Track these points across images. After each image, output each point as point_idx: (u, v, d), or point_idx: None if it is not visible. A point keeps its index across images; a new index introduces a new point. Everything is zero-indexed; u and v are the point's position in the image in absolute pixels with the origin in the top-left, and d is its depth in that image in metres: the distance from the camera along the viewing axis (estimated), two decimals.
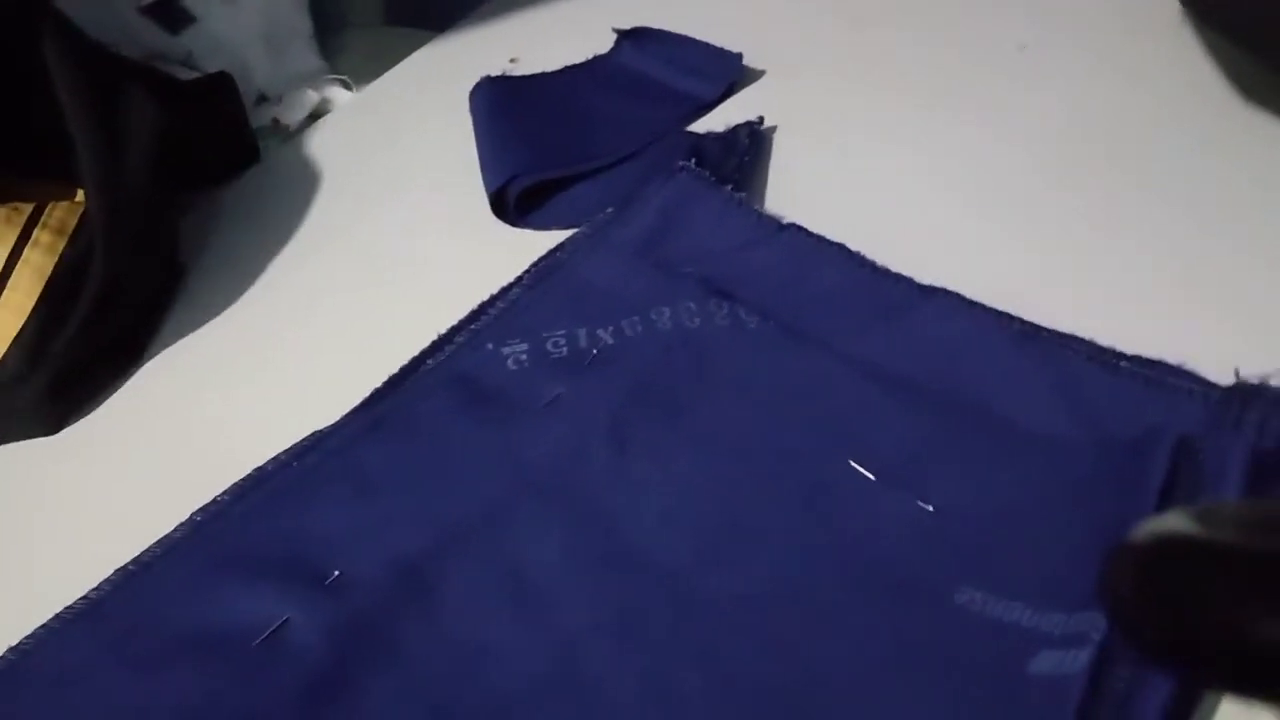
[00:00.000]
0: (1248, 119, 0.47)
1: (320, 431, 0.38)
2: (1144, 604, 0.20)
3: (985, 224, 0.44)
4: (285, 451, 0.38)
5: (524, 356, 0.40)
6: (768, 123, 0.51)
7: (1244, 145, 0.45)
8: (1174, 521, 0.22)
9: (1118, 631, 0.24)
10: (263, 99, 0.65)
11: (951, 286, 0.40)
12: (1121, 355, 0.36)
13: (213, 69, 0.61)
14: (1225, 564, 0.19)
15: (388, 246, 0.50)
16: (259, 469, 0.37)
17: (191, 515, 0.36)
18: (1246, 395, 0.33)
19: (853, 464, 0.35)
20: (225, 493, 0.37)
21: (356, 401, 0.40)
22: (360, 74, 0.66)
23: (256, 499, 0.36)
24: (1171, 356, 0.36)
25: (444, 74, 0.62)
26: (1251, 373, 0.34)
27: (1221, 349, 0.36)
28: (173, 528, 0.36)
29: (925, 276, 0.41)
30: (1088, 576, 0.30)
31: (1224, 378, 0.35)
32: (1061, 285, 0.41)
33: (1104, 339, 0.37)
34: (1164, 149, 0.46)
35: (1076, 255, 0.42)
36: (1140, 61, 0.52)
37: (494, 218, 0.50)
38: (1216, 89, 0.49)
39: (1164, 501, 0.31)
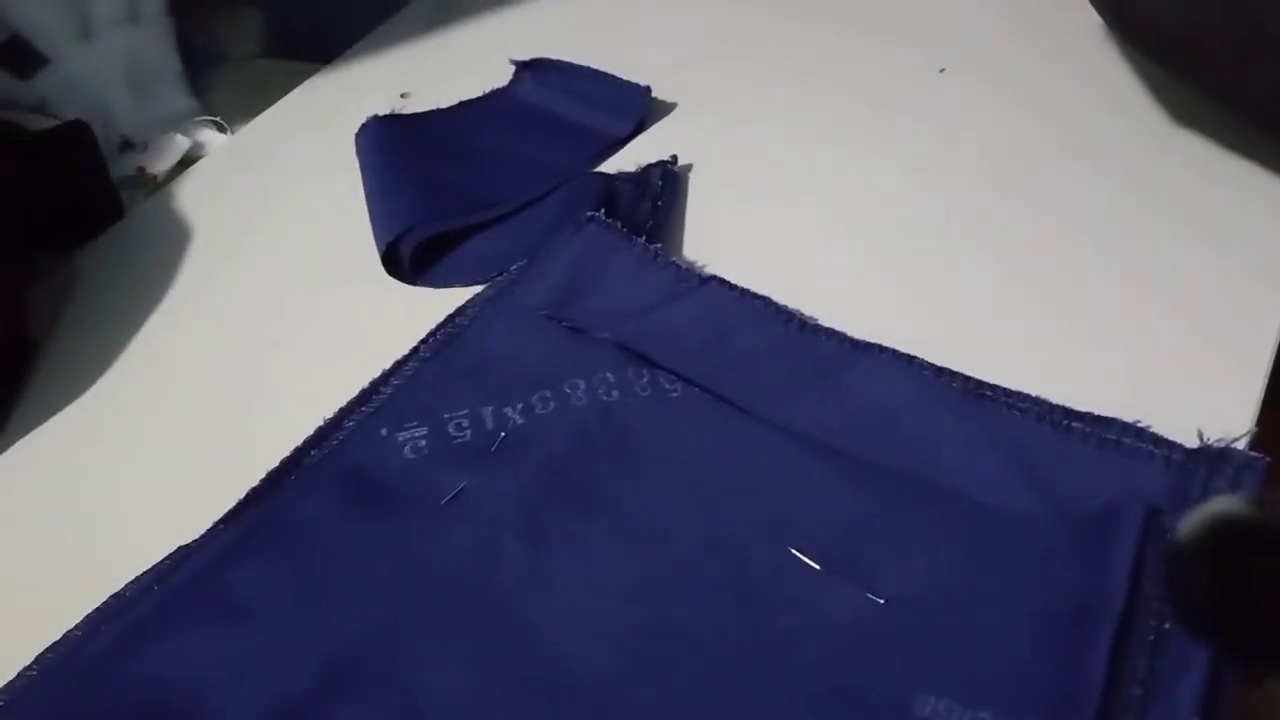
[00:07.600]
0: (1176, 142, 0.45)
1: (186, 546, 0.33)
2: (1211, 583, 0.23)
3: (915, 268, 0.41)
4: (147, 572, 0.33)
5: (423, 443, 0.36)
6: (681, 161, 0.48)
7: (1174, 170, 0.43)
8: (1229, 504, 0.24)
9: (1183, 618, 0.26)
10: (126, 146, 0.60)
11: (885, 340, 0.37)
12: (1073, 414, 0.34)
13: (69, 115, 0.55)
14: None
15: (268, 313, 0.45)
16: (116, 595, 0.32)
17: (39, 656, 0.31)
18: (1212, 460, 0.30)
19: (794, 552, 0.31)
20: (76, 627, 0.32)
21: (231, 503, 0.35)
22: (235, 114, 0.61)
23: (112, 634, 0.31)
24: (1122, 410, 0.33)
25: (328, 112, 0.57)
26: (1206, 422, 0.32)
27: (1175, 401, 0.34)
28: (14, 675, 0.31)
29: (855, 329, 0.38)
30: (1056, 674, 0.28)
31: (1178, 432, 0.32)
32: (1001, 334, 0.38)
33: (1050, 393, 0.34)
34: (1093, 178, 0.44)
35: (1013, 301, 0.39)
36: (1067, 82, 0.50)
37: (387, 276, 0.45)
38: (1143, 110, 0.47)
39: (1134, 583, 0.29)
